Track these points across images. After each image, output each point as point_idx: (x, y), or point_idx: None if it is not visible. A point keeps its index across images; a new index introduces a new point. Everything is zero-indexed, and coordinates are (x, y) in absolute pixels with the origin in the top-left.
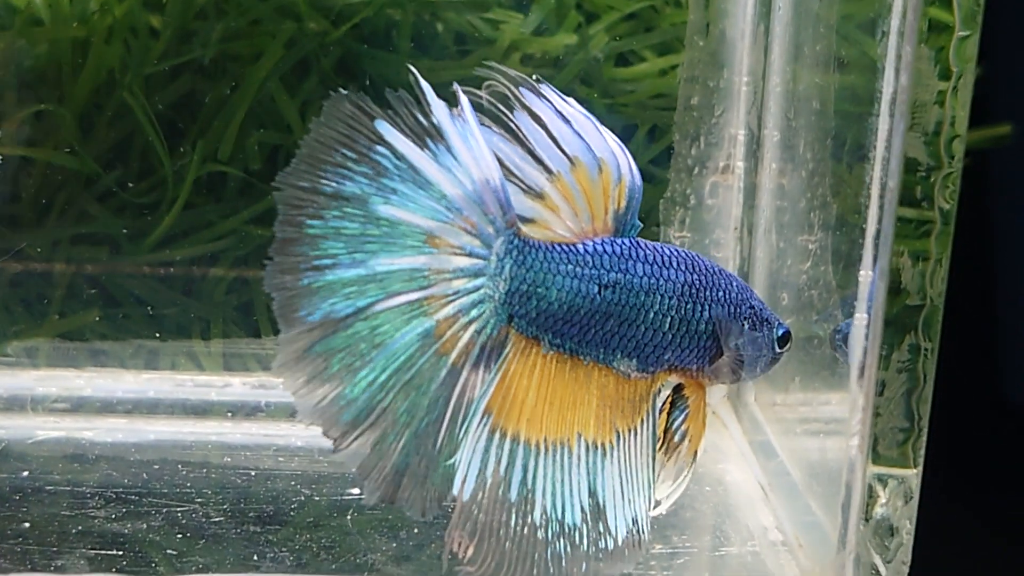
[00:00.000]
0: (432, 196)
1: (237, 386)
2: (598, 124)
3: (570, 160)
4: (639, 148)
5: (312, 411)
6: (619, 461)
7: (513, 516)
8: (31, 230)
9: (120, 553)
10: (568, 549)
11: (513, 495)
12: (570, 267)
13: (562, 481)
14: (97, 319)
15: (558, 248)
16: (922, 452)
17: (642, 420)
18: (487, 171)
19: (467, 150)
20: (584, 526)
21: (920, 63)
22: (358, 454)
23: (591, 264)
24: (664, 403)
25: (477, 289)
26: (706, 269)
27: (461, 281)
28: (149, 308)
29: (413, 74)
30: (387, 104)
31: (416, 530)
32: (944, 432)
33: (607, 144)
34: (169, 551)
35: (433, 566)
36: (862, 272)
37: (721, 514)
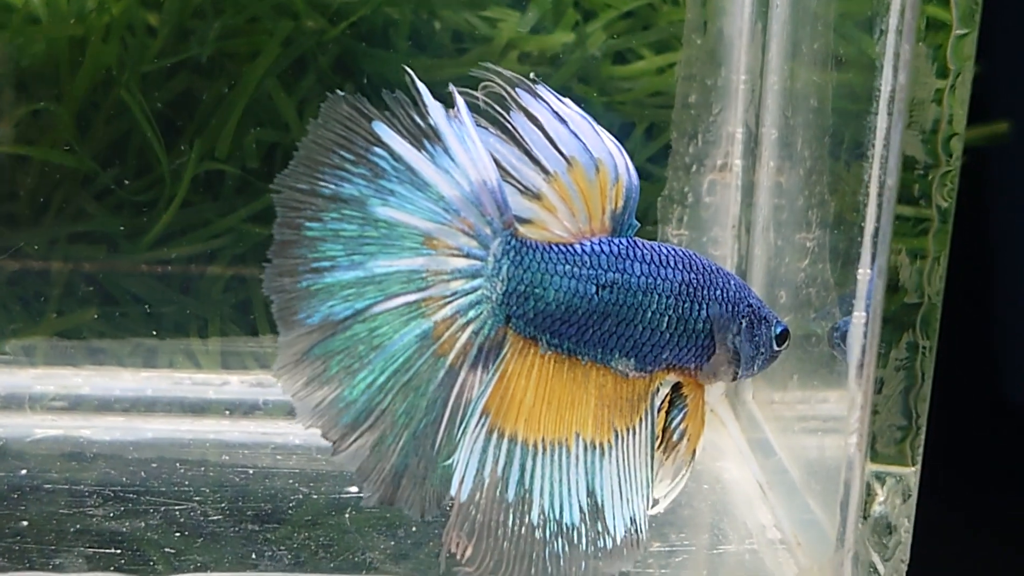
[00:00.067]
0: (430, 197)
1: (235, 384)
2: (595, 124)
3: (567, 160)
4: (637, 146)
5: (311, 413)
6: (617, 460)
7: (511, 516)
8: (28, 228)
9: (118, 551)
10: (566, 549)
11: (511, 495)
12: (568, 267)
13: (560, 481)
14: (95, 317)
15: (555, 248)
16: (920, 450)
17: (640, 419)
18: (484, 172)
19: (464, 151)
20: (582, 526)
21: (918, 61)
22: (357, 456)
23: (589, 264)
24: (662, 402)
25: (475, 290)
26: (704, 268)
27: (459, 282)
28: (147, 306)
29: (409, 75)
30: (384, 105)
31: (414, 528)
32: (943, 431)
33: (604, 144)
34: (167, 549)
35: (431, 564)
36: (860, 270)
37: (719, 512)
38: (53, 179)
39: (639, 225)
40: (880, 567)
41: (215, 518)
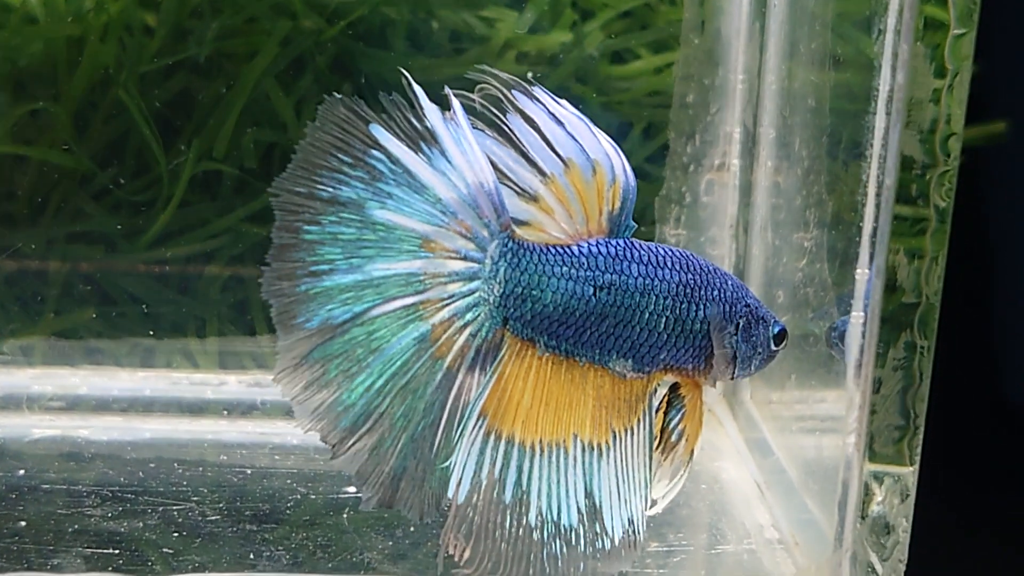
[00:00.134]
0: (427, 200)
1: (233, 384)
2: (591, 125)
3: (564, 162)
4: (635, 146)
5: (310, 417)
6: (615, 461)
7: (508, 518)
8: (26, 228)
9: (116, 552)
10: (564, 550)
11: (508, 497)
12: (565, 269)
13: (558, 482)
14: (93, 317)
15: (553, 250)
16: (918, 450)
17: (638, 420)
18: (481, 174)
19: (460, 154)
20: (580, 527)
21: (916, 61)
22: (356, 459)
23: (586, 266)
24: (660, 402)
25: (472, 292)
26: (701, 268)
27: (456, 285)
28: (144, 306)
29: (405, 78)
30: (381, 107)
31: (412, 528)
32: (942, 431)
33: (601, 145)
34: (165, 550)
35: (429, 564)
36: (859, 270)
37: (717, 512)
38: (51, 179)
39: (636, 226)
40: (878, 567)
41: (213, 518)
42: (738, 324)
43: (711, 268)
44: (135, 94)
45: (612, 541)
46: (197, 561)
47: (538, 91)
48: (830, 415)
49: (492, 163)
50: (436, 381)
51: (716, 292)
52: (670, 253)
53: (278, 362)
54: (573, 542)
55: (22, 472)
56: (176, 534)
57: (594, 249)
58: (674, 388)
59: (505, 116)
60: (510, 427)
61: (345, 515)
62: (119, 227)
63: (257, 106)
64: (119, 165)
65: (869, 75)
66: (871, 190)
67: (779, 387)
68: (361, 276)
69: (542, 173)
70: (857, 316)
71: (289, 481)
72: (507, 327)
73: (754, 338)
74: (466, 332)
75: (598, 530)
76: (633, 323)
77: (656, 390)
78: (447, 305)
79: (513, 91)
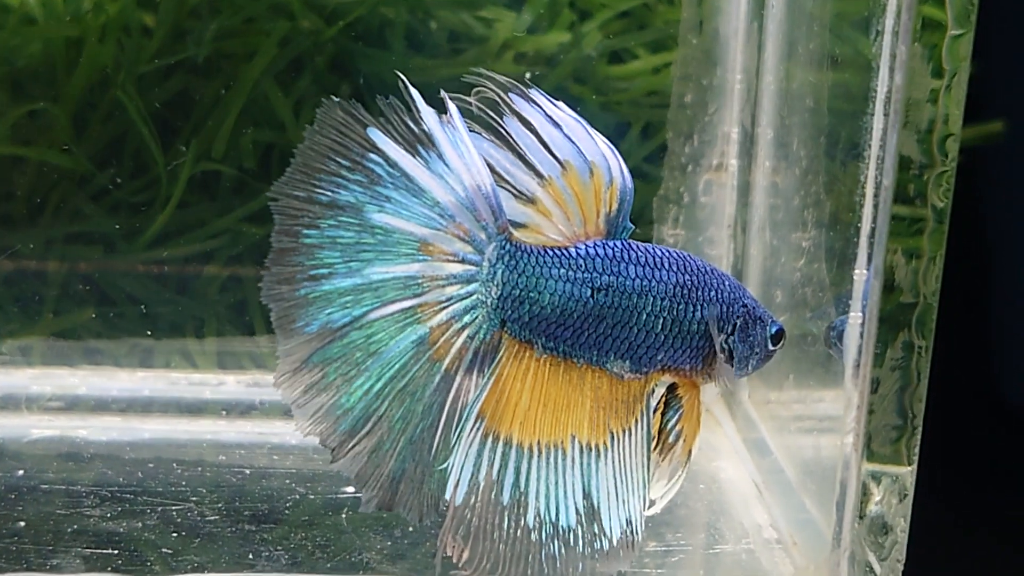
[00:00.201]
0: (425, 203)
1: (231, 384)
2: (588, 127)
3: (561, 164)
4: (633, 146)
5: (310, 421)
6: (613, 462)
7: (506, 519)
8: (25, 229)
9: (115, 552)
10: (563, 551)
11: (506, 498)
12: (562, 271)
13: (556, 483)
14: (91, 318)
15: (550, 252)
16: (916, 450)
17: (636, 420)
18: (478, 177)
19: (458, 157)
20: (579, 527)
21: (913, 61)
22: (355, 462)
23: (583, 268)
24: (658, 403)
25: (470, 295)
26: (698, 269)
27: (454, 287)
28: (143, 306)
29: (402, 81)
30: (378, 111)
31: (411, 529)
32: (940, 431)
33: (597, 147)
34: (164, 550)
35: (427, 564)
36: (857, 270)
37: (715, 512)
38: (50, 179)
39: (633, 228)
40: (876, 567)
41: (212, 518)
42: (735, 324)
43: (708, 269)
44: (134, 95)
45: (610, 541)
46: (196, 561)
47: (535, 93)
48: (828, 415)
49: (489, 166)
50: (434, 383)
51: (713, 293)
52: (667, 254)
53: (278, 366)
54: (571, 543)
55: (21, 472)
56: (175, 534)
57: (591, 251)
58: (672, 389)
59: (502, 119)
60: (508, 428)
61: (344, 515)
62: (118, 227)
63: (255, 106)
64: (118, 165)
65: (867, 75)
66: (869, 190)
67: (777, 387)
68: (360, 280)
69: (539, 175)
70: (855, 316)
71: (288, 481)
72: (505, 329)
73: (751, 338)
74: (464, 334)
75: (596, 531)
76: (631, 324)
77: (654, 391)
78: (445, 308)
79: (510, 94)
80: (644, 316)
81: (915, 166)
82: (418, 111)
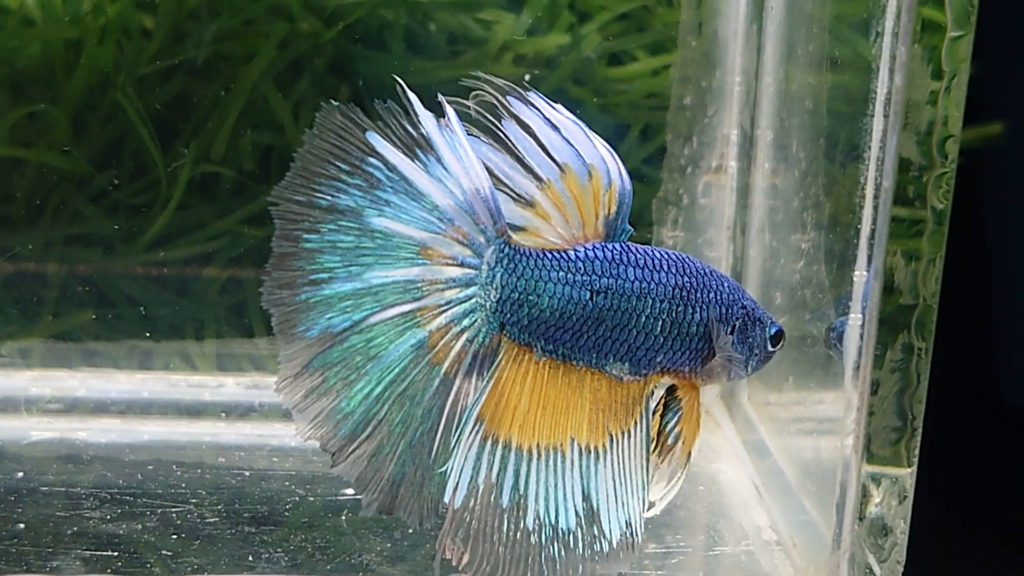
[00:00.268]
0: (424, 207)
1: (231, 386)
2: (587, 130)
3: (560, 167)
4: (632, 148)
5: (311, 425)
6: (612, 464)
7: (506, 522)
8: (24, 230)
9: (115, 554)
10: (563, 552)
11: (505, 501)
12: (561, 274)
13: (555, 486)
14: (91, 319)
15: (549, 255)
16: (916, 452)
17: (635, 422)
18: (476, 181)
19: (456, 160)
20: (578, 530)
21: (913, 63)
22: (355, 466)
23: (582, 270)
24: (657, 405)
25: (469, 298)
26: (697, 271)
27: (453, 291)
28: (142, 308)
29: (400, 85)
30: (377, 114)
31: (411, 531)
32: (940, 432)
33: (596, 150)
34: (164, 552)
35: (427, 566)
36: (856, 272)
37: (715, 513)
38: (49, 181)
39: (632, 230)
40: (876, 569)
41: (212, 520)
42: (734, 326)
43: (707, 271)
44: (133, 96)
45: (610, 543)
46: (196, 563)
47: (533, 96)
48: (828, 417)
49: (488, 169)
50: (434, 387)
51: (712, 295)
52: (666, 256)
53: (280, 371)
54: (571, 545)
55: (20, 474)
56: (175, 536)
57: (590, 254)
58: (671, 391)
59: (500, 122)
60: (507, 431)
61: (343, 517)
62: (117, 229)
63: (255, 108)
64: (117, 167)
65: (867, 77)
66: (869, 192)
67: (777, 389)
68: (360, 284)
69: (538, 179)
70: (855, 318)
71: (287, 483)
72: (504, 332)
73: (751, 339)
74: (463, 338)
75: (596, 533)
76: (630, 327)
77: (653, 393)
78: (444, 311)
79: (508, 97)
80: (643, 318)
81: (915, 168)
82: (416, 115)
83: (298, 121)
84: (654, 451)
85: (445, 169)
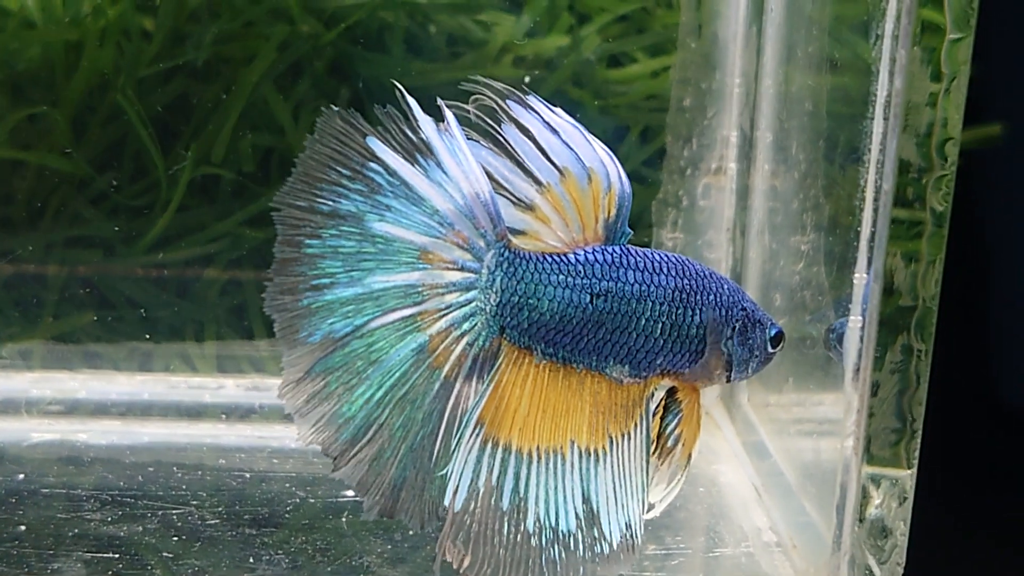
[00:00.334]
0: (424, 212)
1: (231, 388)
2: (586, 133)
3: (559, 171)
4: (631, 150)
5: (312, 430)
6: (613, 466)
7: (506, 524)
8: (25, 232)
9: (116, 556)
10: (563, 555)
11: (505, 503)
12: (561, 277)
13: (556, 488)
14: (91, 321)
15: (549, 259)
16: (916, 453)
17: (635, 424)
18: (476, 185)
19: (456, 165)
20: (579, 532)
21: (913, 65)
22: (357, 470)
23: (582, 273)
24: (657, 407)
25: (469, 302)
26: (697, 273)
27: (453, 295)
28: (143, 310)
29: (399, 90)
30: (377, 118)
31: (411, 532)
32: (939, 434)
33: (596, 153)
34: (165, 554)
35: (428, 568)
36: (856, 274)
37: (715, 515)
38: (49, 183)
39: (632, 233)
40: (876, 570)
41: (212, 522)
42: (734, 327)
43: (707, 273)
44: (133, 98)
45: (610, 545)
46: (196, 565)
47: (533, 100)
48: (828, 418)
49: (488, 173)
50: (434, 391)
51: (712, 297)
52: (666, 259)
53: (283, 377)
54: (571, 547)
55: (21, 476)
56: (175, 538)
57: (590, 257)
58: (671, 392)
59: (500, 126)
60: (507, 434)
61: (344, 519)
62: (117, 231)
63: (255, 110)
64: (117, 169)
65: (866, 79)
66: (869, 194)
67: (777, 390)
68: (361, 289)
69: (538, 182)
70: (855, 320)
71: (288, 485)
72: (504, 336)
73: (751, 341)
74: (463, 341)
75: (596, 535)
76: (630, 329)
77: (653, 395)
78: (444, 315)
79: (507, 101)
80: (643, 321)
81: (914, 170)
82: (416, 120)
83: (298, 123)
84: (654, 453)
85: (445, 173)
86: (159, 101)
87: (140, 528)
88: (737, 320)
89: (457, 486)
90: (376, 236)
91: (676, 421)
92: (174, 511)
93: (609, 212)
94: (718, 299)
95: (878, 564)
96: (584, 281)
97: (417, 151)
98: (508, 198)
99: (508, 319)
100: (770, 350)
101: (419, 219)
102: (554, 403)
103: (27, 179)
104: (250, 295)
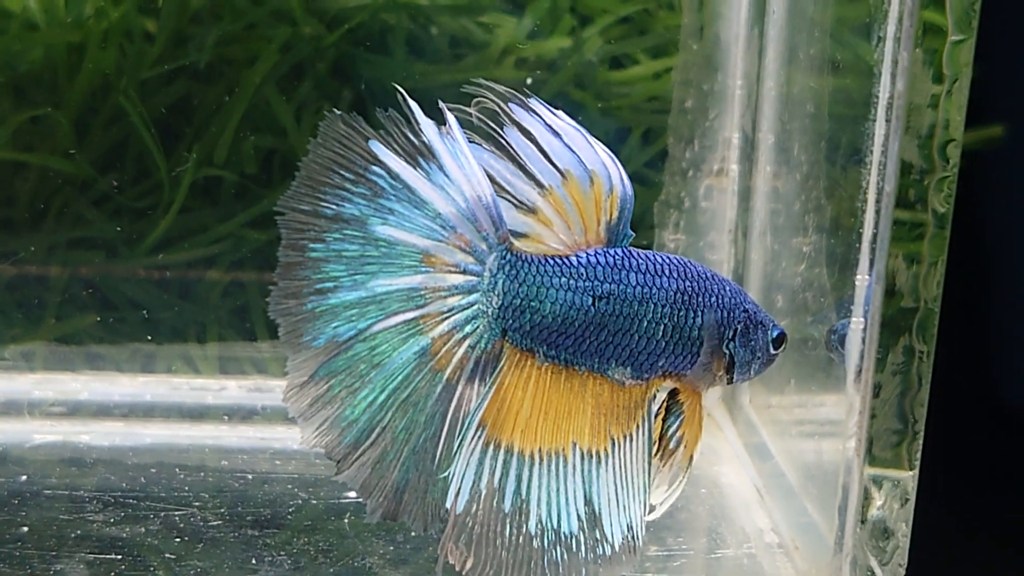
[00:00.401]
0: (427, 215)
1: (233, 389)
2: (588, 136)
3: (561, 174)
4: (633, 151)
5: (316, 434)
6: (614, 468)
7: (508, 526)
8: (27, 234)
9: (119, 557)
10: (565, 556)
11: (508, 505)
12: (563, 280)
13: (558, 490)
14: (94, 323)
15: (551, 261)
16: (918, 454)
17: (637, 426)
18: (478, 188)
19: (458, 168)
20: (581, 534)
21: (915, 67)
22: (360, 473)
23: (584, 276)
24: (659, 409)
25: (471, 305)
26: (699, 275)
27: (456, 298)
28: (145, 312)
29: (400, 93)
30: (379, 123)
31: (413, 534)
32: (941, 435)
33: (598, 156)
34: (167, 555)
35: (430, 569)
36: (859, 276)
37: (717, 516)
38: (52, 185)
39: (634, 235)
40: (878, 571)
41: (215, 523)
42: (736, 329)
43: (709, 275)
44: (136, 100)
45: (612, 547)
46: (199, 566)
47: (534, 103)
48: (829, 419)
49: (490, 176)
50: (436, 393)
51: (714, 298)
52: (667, 261)
53: (288, 381)
54: (574, 549)
55: (24, 478)
56: (178, 539)
57: (592, 259)
58: (673, 394)
59: (502, 129)
60: (509, 436)
61: (346, 520)
62: (120, 232)
63: (257, 112)
64: (120, 171)
65: (868, 81)
66: (871, 196)
67: (778, 391)
68: (365, 293)
69: (540, 185)
70: (857, 322)
71: (290, 486)
72: (506, 338)
73: (753, 342)
74: (465, 344)
75: (598, 536)
76: (632, 331)
77: (655, 396)
78: (447, 318)
79: (509, 103)
80: (645, 323)
81: (916, 171)
82: (417, 123)
83: (300, 125)
84: (656, 455)
85: (447, 176)
86: (161, 103)
87: (142, 529)
88: (739, 322)
89: (459, 488)
90: (379, 240)
91: (678, 423)
92: (176, 512)
93: (611, 214)
94: (720, 301)
95: (880, 565)
96: (586, 283)
97: (419, 154)
98: (510, 201)
99: (510, 322)
100: (772, 351)
101: (421, 222)
102: (556, 405)
103: (30, 180)
104: (252, 296)
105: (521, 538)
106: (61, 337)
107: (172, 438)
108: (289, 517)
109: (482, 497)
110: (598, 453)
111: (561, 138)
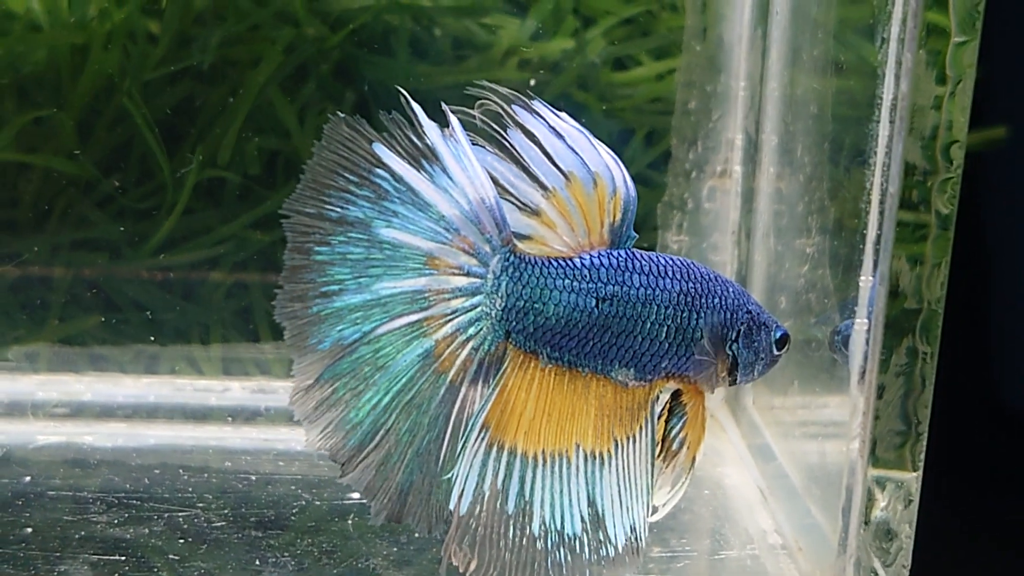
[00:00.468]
0: (431, 217)
1: (236, 390)
2: (591, 137)
3: (565, 176)
4: (637, 152)
5: (320, 436)
6: (617, 469)
7: (512, 528)
8: (31, 235)
9: (122, 558)
10: (569, 558)
11: (511, 507)
12: (567, 282)
13: (561, 492)
14: (97, 324)
15: (555, 263)
16: (922, 456)
17: (640, 427)
18: (482, 190)
19: (461, 170)
20: (584, 535)
21: (918, 68)
22: (364, 475)
23: (588, 278)
24: (662, 410)
25: (474, 307)
26: (702, 276)
27: (459, 300)
28: (148, 313)
29: (404, 96)
30: (383, 125)
31: (417, 535)
32: (944, 436)
33: (601, 158)
34: (171, 556)
35: (433, 571)
36: (862, 277)
37: (720, 518)
38: (55, 186)
39: (637, 236)
40: (882, 572)
41: (218, 524)
42: (739, 330)
43: (712, 276)
44: (139, 101)
45: (616, 548)
46: (203, 567)
47: (538, 105)
48: (833, 420)
49: (493, 178)
50: (440, 395)
51: (717, 300)
52: (671, 262)
53: (294, 384)
54: (577, 550)
55: (28, 479)
56: (181, 540)
57: (596, 261)
58: (676, 395)
59: (505, 131)
60: (512, 438)
61: (350, 521)
62: (123, 233)
63: (261, 113)
64: (123, 172)
65: (872, 82)
66: (875, 197)
67: (782, 393)
68: (369, 295)
69: (543, 187)
70: (861, 323)
71: (293, 487)
72: (510, 340)
73: (756, 344)
74: (468, 346)
75: (601, 538)
76: (635, 333)
77: (658, 397)
78: (450, 320)
79: (513, 106)
80: (648, 324)
81: (919, 173)
82: (420, 126)
83: (304, 126)
84: (659, 456)
85: (450, 179)
86: (165, 104)
87: (146, 530)
88: (742, 323)
89: (463, 490)
90: (384, 242)
91: (681, 424)
92: (180, 513)
93: (614, 216)
94: (723, 302)
95: (883, 566)
96: (589, 285)
97: (423, 157)
98: (513, 203)
99: (513, 323)
100: (775, 353)
101: (425, 225)
102: (559, 407)
103: (33, 182)
104: (256, 298)
105: (525, 540)
106: (65, 338)
107: (176, 439)
108: (293, 518)
109: (486, 499)
110: (601, 454)
111: (564, 140)
